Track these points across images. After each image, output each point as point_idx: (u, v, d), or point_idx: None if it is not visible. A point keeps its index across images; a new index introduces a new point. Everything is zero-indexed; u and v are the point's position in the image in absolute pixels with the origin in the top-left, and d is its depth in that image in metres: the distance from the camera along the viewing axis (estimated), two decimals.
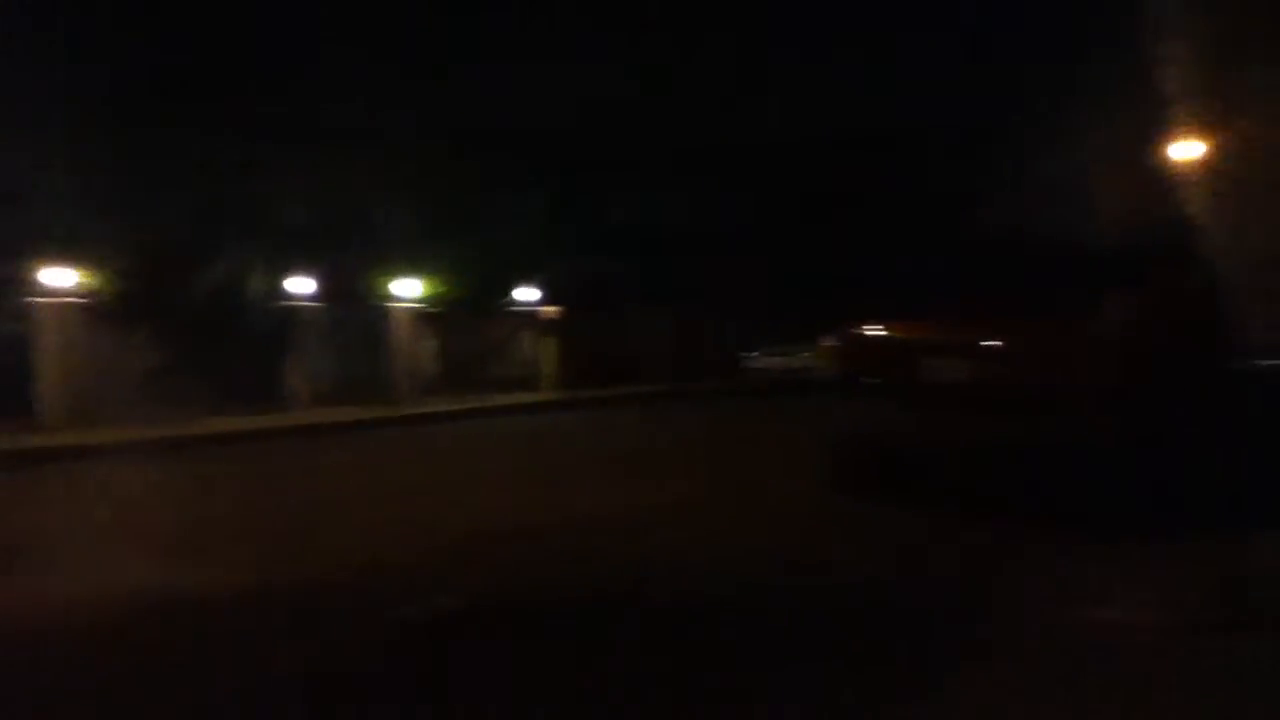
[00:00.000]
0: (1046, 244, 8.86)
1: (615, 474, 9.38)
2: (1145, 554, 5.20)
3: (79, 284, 16.23)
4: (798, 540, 6.11)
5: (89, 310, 16.28)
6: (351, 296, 20.97)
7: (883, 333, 7.91)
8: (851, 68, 27.24)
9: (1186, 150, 22.25)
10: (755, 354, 24.65)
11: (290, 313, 19.10)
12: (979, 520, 6.31)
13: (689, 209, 27.87)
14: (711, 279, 27.37)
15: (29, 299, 15.85)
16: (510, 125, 23.34)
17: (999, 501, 6.94)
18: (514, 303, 23.58)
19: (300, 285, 19.42)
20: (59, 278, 16.04)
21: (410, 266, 22.07)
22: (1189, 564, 4.88)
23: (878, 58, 26.18)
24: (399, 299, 21.01)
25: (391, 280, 21.91)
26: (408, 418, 16.63)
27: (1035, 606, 4.36)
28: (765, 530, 6.49)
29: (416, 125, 21.47)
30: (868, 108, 26.40)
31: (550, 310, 22.31)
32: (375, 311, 19.95)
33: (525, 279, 23.44)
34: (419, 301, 21.56)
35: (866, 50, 27.05)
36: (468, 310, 22.90)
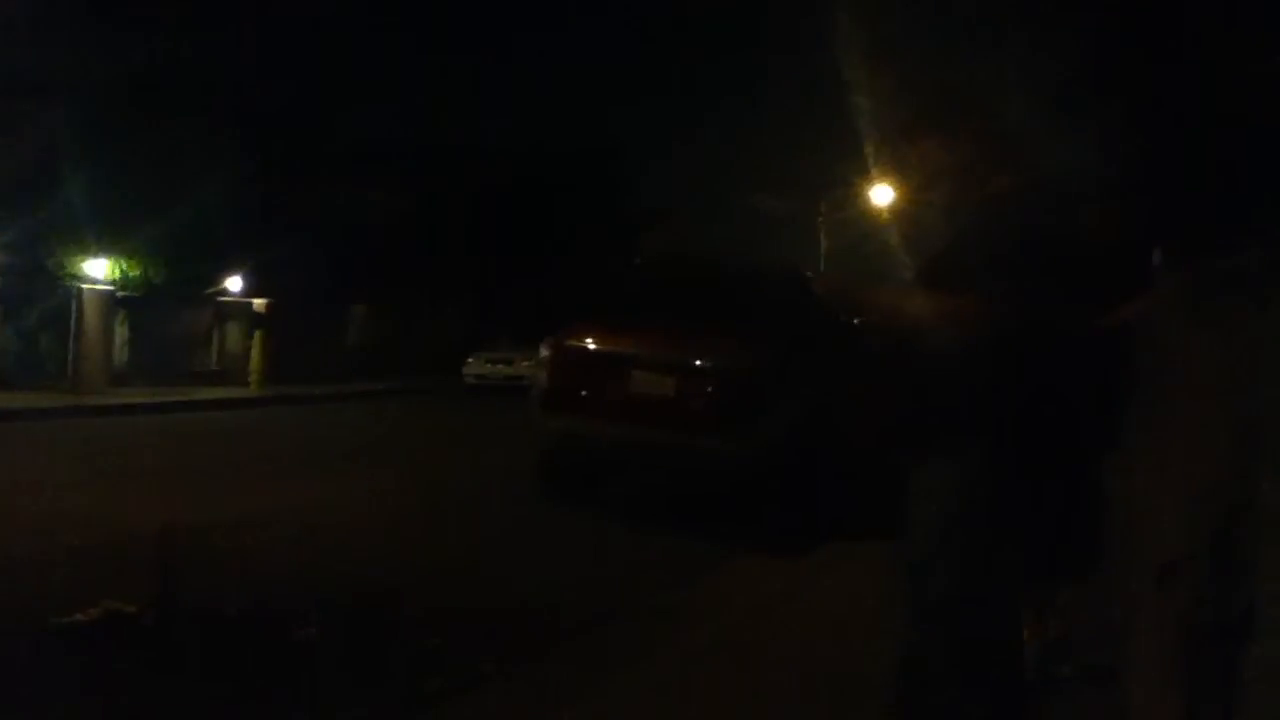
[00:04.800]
0: (738, 267, 9.42)
1: (297, 473, 9.39)
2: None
3: None
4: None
5: None
6: (37, 274, 19.31)
7: (593, 345, 7.99)
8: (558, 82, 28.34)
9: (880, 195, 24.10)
10: (470, 360, 22.84)
11: None
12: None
13: (410, 207, 27.54)
14: (434, 279, 27.04)
15: None
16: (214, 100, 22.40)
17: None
18: (221, 292, 22.32)
19: None
20: None
21: (104, 245, 20.56)
22: None
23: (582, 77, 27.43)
24: (91, 280, 19.43)
25: (84, 259, 20.35)
26: (96, 408, 15.33)
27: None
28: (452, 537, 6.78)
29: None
30: (572, 119, 27.79)
31: (260, 302, 21.20)
32: (64, 292, 18.27)
33: (232, 267, 22.22)
34: (113, 284, 20.03)
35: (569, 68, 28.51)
36: (168, 296, 21.49)
